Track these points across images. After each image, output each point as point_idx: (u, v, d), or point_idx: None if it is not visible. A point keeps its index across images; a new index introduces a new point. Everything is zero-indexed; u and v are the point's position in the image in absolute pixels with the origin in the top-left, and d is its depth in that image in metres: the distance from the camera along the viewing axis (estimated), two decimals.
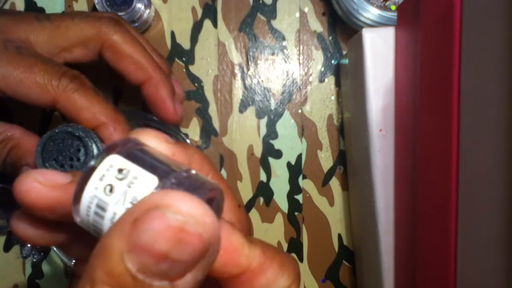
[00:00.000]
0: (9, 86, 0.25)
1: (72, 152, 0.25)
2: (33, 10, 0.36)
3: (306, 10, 0.37)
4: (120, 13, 0.32)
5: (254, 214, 0.37)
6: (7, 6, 0.36)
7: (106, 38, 0.27)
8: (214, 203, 0.15)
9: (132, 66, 0.27)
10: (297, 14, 0.37)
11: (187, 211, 0.12)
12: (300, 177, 0.37)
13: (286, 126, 0.37)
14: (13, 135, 0.27)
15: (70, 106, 0.25)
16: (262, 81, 0.37)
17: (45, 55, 0.27)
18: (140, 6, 0.33)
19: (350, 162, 0.35)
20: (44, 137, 0.25)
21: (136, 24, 0.34)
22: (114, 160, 0.14)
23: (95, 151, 0.25)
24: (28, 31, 0.26)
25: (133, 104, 0.36)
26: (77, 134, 0.25)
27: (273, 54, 0.37)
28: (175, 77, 0.32)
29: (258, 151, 0.37)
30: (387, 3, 0.33)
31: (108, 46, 0.27)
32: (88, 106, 0.25)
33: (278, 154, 0.37)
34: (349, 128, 0.34)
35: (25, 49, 0.26)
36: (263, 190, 0.37)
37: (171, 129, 0.33)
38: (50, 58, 0.26)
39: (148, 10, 0.34)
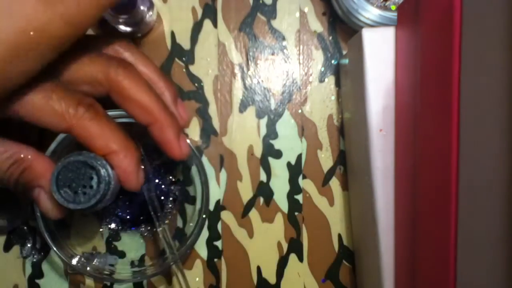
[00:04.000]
0: (27, 111, 0.25)
1: (85, 180, 0.26)
2: None
3: (306, 10, 0.37)
4: (122, 16, 0.32)
5: (254, 214, 0.37)
6: None
7: (114, 84, 0.27)
8: None
9: (138, 110, 0.28)
10: (297, 14, 0.37)
11: None
12: (300, 177, 0.37)
13: (286, 126, 0.37)
14: (26, 157, 0.27)
15: (85, 134, 0.26)
16: (262, 81, 0.37)
17: None
18: (143, 8, 0.33)
19: (350, 162, 0.35)
20: (59, 166, 0.26)
21: (139, 27, 0.34)
22: None
23: (107, 178, 0.26)
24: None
25: None
26: (89, 163, 0.26)
27: (273, 54, 0.37)
28: (180, 100, 0.32)
29: (258, 151, 0.37)
30: (387, 3, 0.33)
31: (116, 90, 0.27)
32: (101, 135, 0.26)
33: (278, 154, 0.37)
34: (349, 128, 0.34)
35: (42, 73, 0.25)
36: (263, 190, 0.37)
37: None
38: (65, 86, 0.26)
39: (151, 12, 0.34)
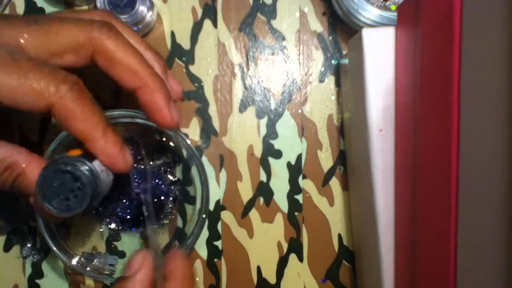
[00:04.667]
0: (3, 94, 0.24)
1: (70, 184, 0.25)
2: (33, 10, 0.36)
3: (306, 10, 0.37)
4: (123, 16, 0.32)
5: (254, 214, 0.37)
6: (7, 8, 0.36)
7: (98, 44, 0.26)
8: None
9: (125, 73, 0.26)
10: (297, 14, 0.37)
11: None
12: (300, 177, 0.37)
13: (286, 126, 0.37)
14: (18, 162, 0.26)
15: (65, 114, 0.24)
16: (262, 81, 0.37)
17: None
18: (143, 8, 0.33)
19: (350, 162, 0.35)
20: (39, 181, 0.24)
21: (139, 27, 0.34)
22: None
23: (89, 177, 0.25)
24: (17, 35, 0.25)
25: (133, 104, 0.36)
26: (64, 170, 0.24)
27: (273, 54, 0.37)
28: (171, 73, 0.31)
29: (258, 151, 0.37)
30: (387, 3, 0.33)
31: (100, 52, 0.26)
32: (83, 118, 0.25)
33: (278, 154, 0.37)
34: (349, 128, 0.34)
35: (18, 54, 0.24)
36: (263, 190, 0.37)
37: (171, 129, 0.33)
38: (46, 62, 0.25)
39: (151, 13, 0.34)
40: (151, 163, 0.36)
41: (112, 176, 0.27)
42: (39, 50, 0.25)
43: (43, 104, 0.24)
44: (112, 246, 0.36)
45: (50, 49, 0.25)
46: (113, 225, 0.36)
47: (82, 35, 0.25)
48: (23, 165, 0.26)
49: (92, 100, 0.25)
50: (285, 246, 0.37)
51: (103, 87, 0.36)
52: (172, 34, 0.36)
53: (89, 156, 0.25)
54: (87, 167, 0.25)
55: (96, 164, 0.25)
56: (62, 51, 0.26)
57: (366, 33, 0.28)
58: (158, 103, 0.27)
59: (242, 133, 0.37)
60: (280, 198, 0.37)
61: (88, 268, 0.33)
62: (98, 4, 0.33)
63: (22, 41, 0.25)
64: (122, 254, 0.36)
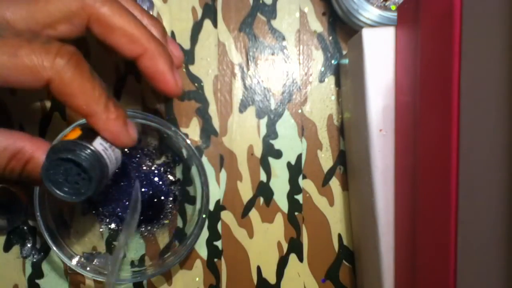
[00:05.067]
0: None
1: (74, 170, 0.24)
2: None
3: (306, 10, 0.37)
4: None
5: (254, 214, 0.37)
6: None
7: (93, 11, 0.24)
8: None
9: (124, 40, 0.25)
10: (297, 14, 0.37)
11: None
12: (300, 177, 0.37)
13: (286, 126, 0.37)
14: (23, 148, 0.24)
15: (64, 90, 0.23)
16: (262, 81, 0.37)
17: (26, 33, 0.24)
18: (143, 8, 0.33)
19: (350, 162, 0.35)
20: (43, 172, 0.24)
21: None
22: None
23: (92, 161, 0.24)
24: (1, 8, 0.23)
25: (133, 104, 0.36)
26: (65, 158, 0.23)
27: (273, 54, 0.37)
28: (170, 38, 0.29)
29: (258, 151, 0.37)
30: (387, 3, 0.33)
31: (95, 19, 0.24)
32: (82, 93, 0.23)
33: (278, 154, 0.37)
34: (349, 128, 0.34)
35: (4, 30, 0.22)
36: (263, 190, 0.37)
37: (171, 129, 0.33)
38: (36, 33, 0.23)
39: (151, 12, 0.34)
40: (149, 163, 0.36)
41: (119, 151, 0.26)
42: (29, 22, 0.23)
43: (40, 81, 0.22)
44: (112, 246, 0.36)
45: (41, 20, 0.24)
46: (113, 225, 0.36)
47: (74, 2, 0.24)
48: (30, 152, 0.24)
49: (91, 72, 0.24)
50: (285, 246, 0.37)
51: None
52: (172, 34, 0.36)
53: (90, 134, 0.24)
54: (88, 151, 0.24)
55: (97, 143, 0.24)
56: (54, 22, 0.24)
57: (366, 33, 0.28)
58: (161, 68, 0.26)
59: (242, 133, 0.37)
60: (280, 198, 0.37)
61: (88, 268, 0.33)
62: None
63: (8, 14, 0.23)
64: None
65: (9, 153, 0.24)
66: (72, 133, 0.24)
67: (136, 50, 0.25)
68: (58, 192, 0.24)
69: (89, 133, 0.24)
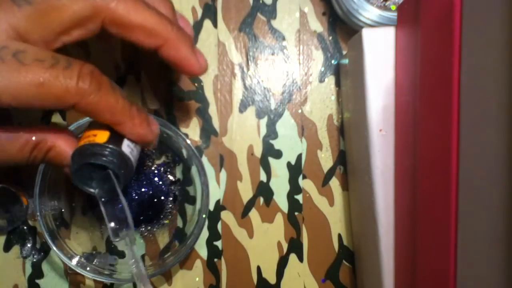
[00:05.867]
0: (21, 102, 0.22)
1: (103, 172, 0.25)
2: None
3: (306, 10, 0.37)
4: None
5: (254, 214, 0.37)
6: None
7: (107, 14, 0.23)
8: None
9: (143, 35, 0.24)
10: (297, 14, 0.37)
11: None
12: (300, 177, 0.37)
13: (286, 126, 0.37)
14: (45, 139, 0.25)
15: (89, 110, 0.23)
16: (262, 81, 0.37)
17: (40, 44, 0.23)
18: None
19: (350, 162, 0.35)
20: (72, 172, 0.25)
21: None
22: None
23: (119, 162, 0.25)
24: (11, 21, 0.22)
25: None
26: (96, 163, 0.25)
27: (273, 54, 0.37)
28: (180, 15, 0.29)
29: (258, 151, 0.37)
30: (387, 3, 0.33)
31: (110, 20, 0.23)
32: (108, 109, 0.24)
33: (278, 154, 0.37)
34: (349, 128, 0.34)
35: (23, 54, 0.22)
36: (263, 190, 0.37)
37: (171, 129, 0.33)
38: (55, 54, 0.23)
39: None
40: (149, 163, 0.36)
41: (141, 147, 0.27)
42: (43, 32, 0.23)
43: (65, 106, 0.23)
44: (112, 246, 0.36)
45: (55, 29, 0.23)
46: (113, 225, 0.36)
47: (84, 7, 0.23)
48: (50, 142, 0.25)
49: (111, 85, 0.24)
50: (285, 246, 0.37)
51: None
52: None
53: (118, 135, 0.25)
54: (116, 154, 0.25)
55: (125, 145, 0.25)
56: (68, 29, 0.23)
57: (366, 33, 0.28)
58: (184, 55, 0.26)
59: (242, 133, 0.37)
60: (280, 198, 0.37)
61: (88, 268, 0.33)
62: None
63: (19, 27, 0.22)
64: (122, 254, 0.36)
65: (30, 146, 0.25)
66: (100, 135, 0.25)
67: (156, 43, 0.25)
68: (86, 188, 0.26)
69: (117, 134, 0.25)
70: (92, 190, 0.26)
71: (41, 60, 0.22)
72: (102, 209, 0.25)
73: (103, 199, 0.25)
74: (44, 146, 0.25)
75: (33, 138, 0.25)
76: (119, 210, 0.26)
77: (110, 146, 0.25)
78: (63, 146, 0.25)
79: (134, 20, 0.24)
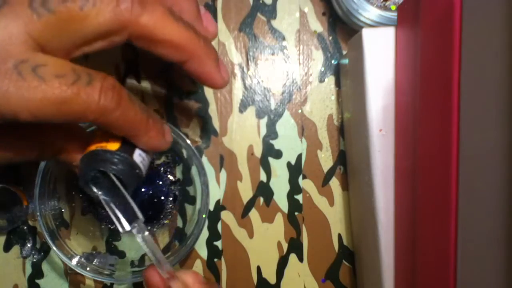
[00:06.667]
0: (40, 119, 0.21)
1: (112, 179, 0.25)
2: None
3: (306, 10, 0.37)
4: None
5: (254, 214, 0.37)
6: None
7: (134, 27, 0.22)
8: None
9: (170, 50, 0.24)
10: (297, 14, 0.37)
11: None
12: (300, 177, 0.37)
13: (286, 126, 0.37)
14: (55, 142, 0.25)
15: (109, 125, 0.23)
16: (262, 81, 0.37)
17: (60, 53, 0.22)
18: None
19: (350, 162, 0.35)
20: (81, 176, 0.25)
21: None
22: None
23: (130, 171, 0.25)
24: (30, 31, 0.21)
25: None
26: (106, 171, 0.24)
27: (273, 54, 0.37)
28: (204, 11, 0.28)
29: (258, 151, 0.37)
30: (387, 3, 0.33)
31: (138, 35, 0.22)
32: (127, 124, 0.23)
33: (278, 154, 0.37)
34: (349, 128, 0.34)
35: (43, 68, 0.21)
36: (263, 190, 0.37)
37: (171, 129, 0.33)
38: (76, 68, 0.22)
39: None
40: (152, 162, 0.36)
41: (152, 155, 0.27)
42: (63, 43, 0.22)
43: (85, 121, 0.22)
44: (112, 246, 0.36)
45: (76, 41, 0.22)
46: (113, 225, 0.36)
47: (110, 21, 0.21)
48: (62, 144, 0.25)
49: (130, 97, 0.23)
50: (285, 246, 0.37)
51: None
52: None
53: (130, 144, 0.25)
54: (127, 163, 0.24)
55: (137, 155, 0.25)
56: (90, 40, 0.22)
57: (366, 33, 0.28)
58: (208, 70, 0.25)
59: (242, 133, 0.37)
60: (280, 198, 0.37)
61: (88, 268, 0.33)
62: None
63: (38, 36, 0.21)
64: (122, 254, 0.36)
65: (41, 147, 0.25)
66: (113, 142, 0.25)
67: (183, 58, 0.24)
68: (95, 191, 0.25)
69: (129, 143, 0.25)
70: (98, 193, 0.25)
71: (62, 76, 0.21)
72: (107, 208, 0.25)
73: (106, 198, 0.25)
74: (54, 148, 0.25)
75: (45, 139, 0.24)
76: (123, 206, 0.25)
77: (122, 154, 0.24)
78: (74, 148, 0.25)
79: (162, 36, 0.23)
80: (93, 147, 0.25)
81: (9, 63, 0.20)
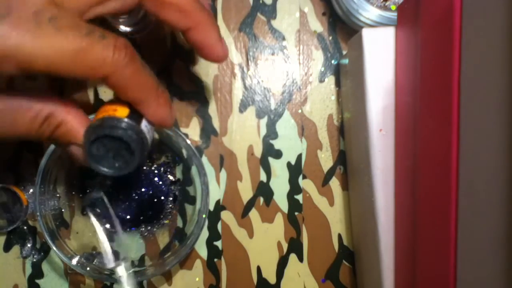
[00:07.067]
0: (54, 69, 0.21)
1: (118, 148, 0.24)
2: None
3: (306, 10, 0.37)
4: (122, 16, 0.32)
5: (254, 214, 0.37)
6: None
7: None
8: None
9: (177, 15, 0.25)
10: (297, 14, 0.37)
11: None
12: (300, 177, 0.37)
13: (286, 126, 0.37)
14: (55, 113, 0.24)
15: (120, 84, 0.23)
16: (262, 81, 0.37)
17: (74, 12, 0.22)
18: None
19: (350, 162, 0.35)
20: (87, 146, 0.24)
21: (139, 27, 0.34)
22: None
23: (137, 139, 0.24)
24: None
25: None
26: (115, 135, 0.24)
27: (273, 54, 0.37)
28: None
29: (258, 151, 0.37)
30: (387, 3, 0.33)
31: None
32: (138, 87, 0.23)
33: (278, 154, 0.37)
34: (349, 128, 0.34)
35: (59, 19, 0.21)
36: (263, 190, 0.37)
37: (171, 129, 0.33)
38: (89, 24, 0.22)
39: None
40: (149, 163, 0.36)
41: (154, 131, 0.27)
42: (77, 2, 0.22)
43: (97, 76, 0.22)
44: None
45: (91, 0, 0.23)
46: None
47: None
48: (61, 116, 0.24)
49: (142, 62, 0.24)
50: (285, 246, 0.37)
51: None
52: (172, 34, 0.36)
53: (137, 113, 0.25)
54: (136, 131, 0.24)
55: (144, 125, 0.25)
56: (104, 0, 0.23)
57: (366, 33, 0.28)
58: (211, 41, 0.26)
59: (242, 133, 0.37)
60: (280, 198, 0.37)
61: (88, 268, 0.33)
62: None
63: None
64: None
65: (41, 118, 0.24)
66: (120, 111, 0.24)
67: (188, 24, 0.25)
68: (97, 165, 0.24)
69: (136, 113, 0.25)
70: (103, 169, 0.25)
71: (77, 29, 0.22)
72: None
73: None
74: (54, 121, 0.24)
75: (45, 109, 0.24)
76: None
77: (130, 122, 0.24)
78: (74, 123, 0.24)
79: None
80: (99, 116, 0.24)
81: (30, 10, 0.21)
